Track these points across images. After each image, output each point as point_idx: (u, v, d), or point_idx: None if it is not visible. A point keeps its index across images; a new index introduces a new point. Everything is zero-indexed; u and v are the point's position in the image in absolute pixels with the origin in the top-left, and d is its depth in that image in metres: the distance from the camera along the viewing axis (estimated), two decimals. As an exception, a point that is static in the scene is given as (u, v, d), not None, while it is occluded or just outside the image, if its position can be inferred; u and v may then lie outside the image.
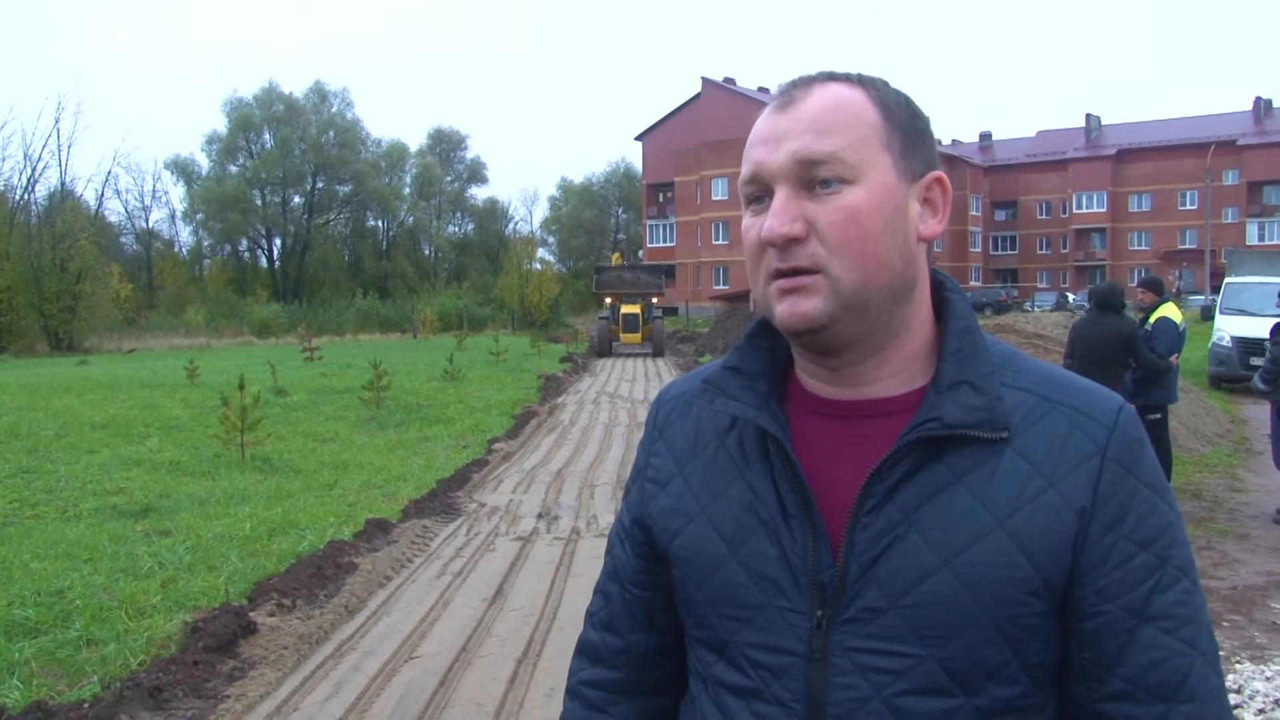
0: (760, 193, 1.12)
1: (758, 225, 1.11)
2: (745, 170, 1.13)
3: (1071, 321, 13.62)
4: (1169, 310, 9.01)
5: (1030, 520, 1.07)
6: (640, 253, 75.79)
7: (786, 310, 1.10)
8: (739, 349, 1.24)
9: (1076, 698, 1.11)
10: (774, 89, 1.17)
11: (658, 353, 33.33)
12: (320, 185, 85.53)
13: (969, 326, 1.16)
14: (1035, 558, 1.06)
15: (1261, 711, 4.58)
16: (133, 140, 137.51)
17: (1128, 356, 8.15)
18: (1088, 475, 1.08)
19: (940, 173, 1.16)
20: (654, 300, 36.14)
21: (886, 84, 1.15)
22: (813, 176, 1.08)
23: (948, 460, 1.09)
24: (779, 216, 1.08)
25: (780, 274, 1.09)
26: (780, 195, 1.09)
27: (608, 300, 36.24)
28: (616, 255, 45.63)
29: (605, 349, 33.71)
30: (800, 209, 1.08)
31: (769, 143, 1.11)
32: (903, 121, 1.13)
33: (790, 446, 1.14)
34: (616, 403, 18.33)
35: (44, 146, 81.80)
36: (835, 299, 1.08)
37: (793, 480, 1.13)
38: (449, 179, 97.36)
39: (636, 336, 34.44)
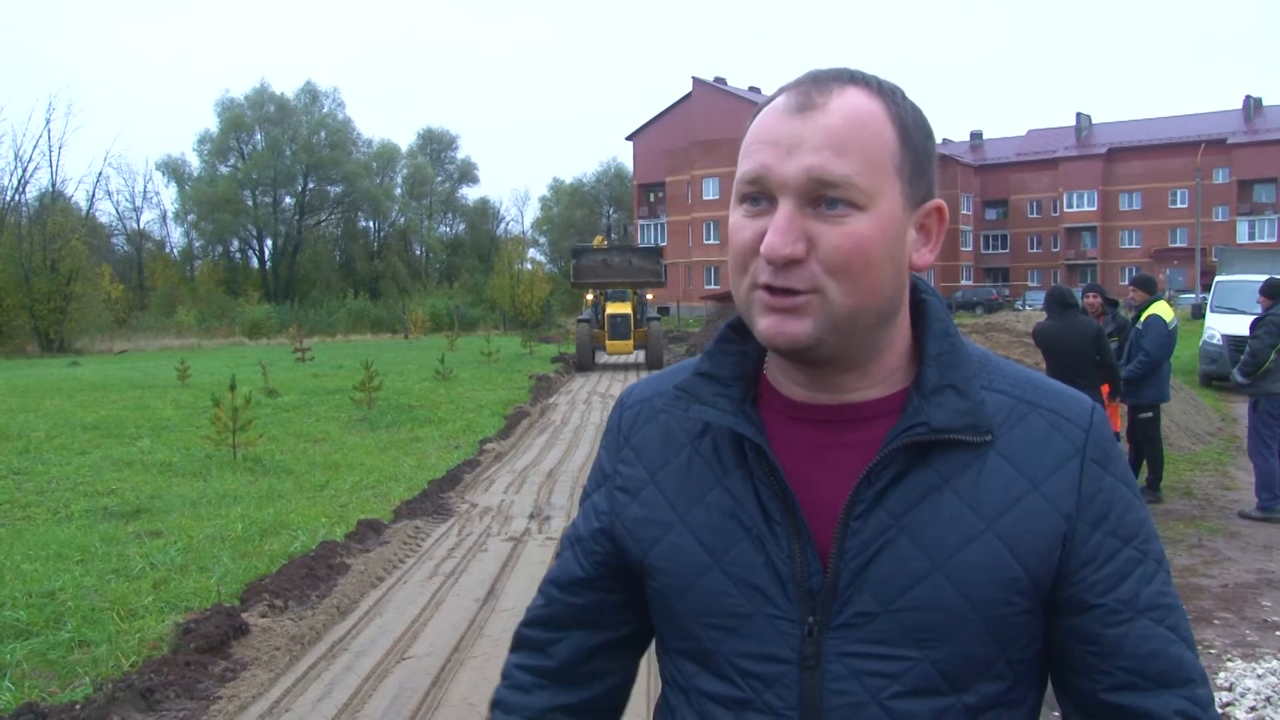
0: (759, 194, 1.07)
1: (751, 228, 1.07)
2: (748, 168, 1.07)
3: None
4: (1160, 308, 9.05)
5: (1017, 522, 1.08)
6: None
7: (771, 328, 1.07)
8: (710, 354, 1.21)
9: (1080, 690, 1.13)
10: (790, 81, 1.11)
11: (654, 364, 25.97)
12: (311, 186, 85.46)
13: (947, 330, 1.16)
14: (1023, 558, 1.07)
15: (1253, 709, 4.59)
16: (124, 141, 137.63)
17: (1098, 356, 8.15)
18: (1070, 476, 1.10)
19: (940, 201, 1.13)
20: (649, 296, 28.76)
21: (904, 95, 1.11)
22: (821, 196, 1.03)
23: (934, 464, 1.09)
24: (782, 235, 1.03)
25: (770, 289, 1.06)
26: (784, 209, 1.04)
27: (589, 297, 29.15)
28: (600, 239, 33.25)
29: (587, 361, 26.59)
30: (804, 227, 1.04)
31: (780, 147, 1.05)
32: (917, 144, 1.09)
33: (771, 452, 1.13)
34: (608, 403, 18.30)
35: (34, 147, 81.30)
36: (825, 322, 1.05)
37: (775, 486, 1.12)
38: (440, 179, 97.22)
39: (627, 344, 26.77)
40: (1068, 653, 1.12)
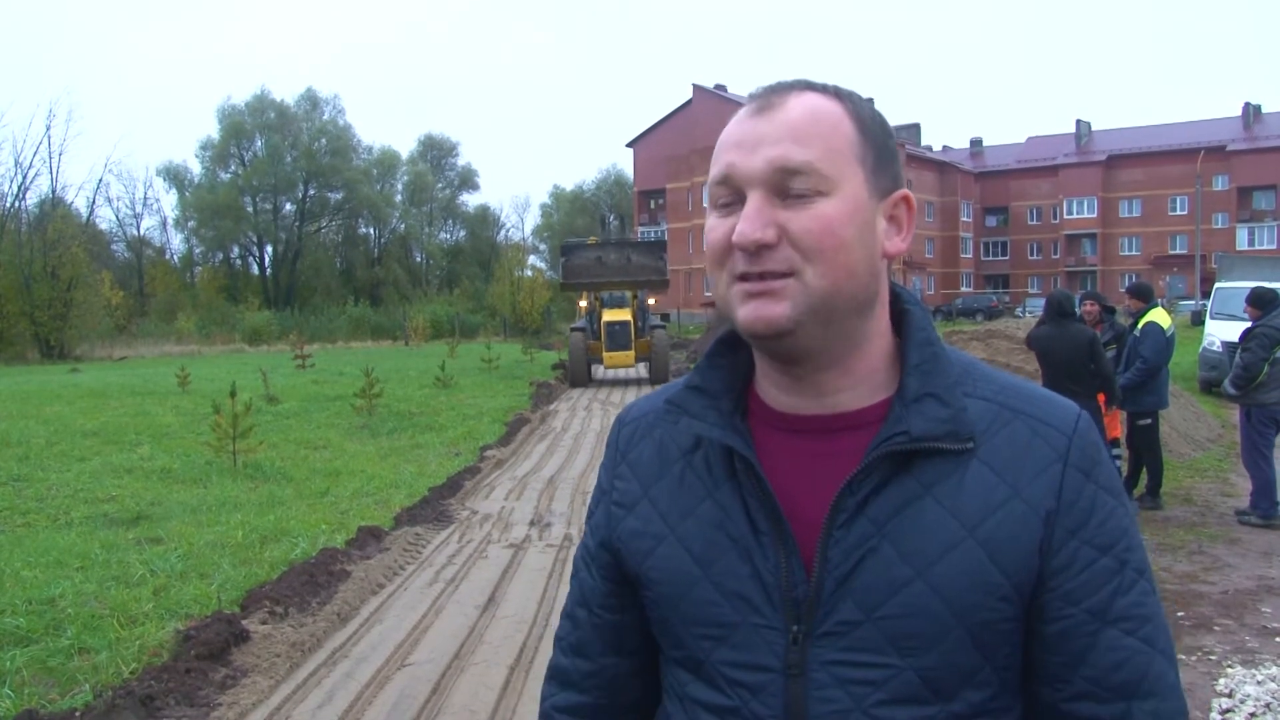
0: (731, 197, 1.11)
1: (724, 226, 1.10)
2: (716, 172, 1.12)
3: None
4: (1157, 315, 9.04)
5: (998, 529, 1.08)
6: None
7: (751, 314, 1.09)
8: (700, 368, 1.24)
9: (1041, 698, 1.13)
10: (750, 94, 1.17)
11: (659, 378, 22.72)
12: (312, 192, 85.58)
13: (929, 339, 1.17)
14: (1005, 565, 1.08)
15: (1253, 715, 4.59)
16: (125, 147, 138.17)
17: (1092, 364, 8.13)
18: (1051, 482, 1.10)
19: (907, 191, 1.16)
20: (651, 301, 25.52)
21: (862, 98, 1.15)
22: (787, 185, 1.07)
23: (916, 472, 1.10)
24: (752, 221, 1.07)
25: (746, 277, 1.09)
26: (753, 200, 1.08)
27: (583, 304, 25.81)
28: (594, 239, 27.39)
29: (581, 375, 23.09)
30: (773, 215, 1.07)
31: (744, 147, 1.10)
32: (876, 137, 1.13)
33: (758, 464, 1.14)
34: (609, 410, 18.32)
35: (35, 153, 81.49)
36: (803, 304, 1.07)
37: (762, 498, 1.13)
38: (440, 186, 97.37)
39: (628, 356, 23.22)
40: (1038, 662, 1.12)
